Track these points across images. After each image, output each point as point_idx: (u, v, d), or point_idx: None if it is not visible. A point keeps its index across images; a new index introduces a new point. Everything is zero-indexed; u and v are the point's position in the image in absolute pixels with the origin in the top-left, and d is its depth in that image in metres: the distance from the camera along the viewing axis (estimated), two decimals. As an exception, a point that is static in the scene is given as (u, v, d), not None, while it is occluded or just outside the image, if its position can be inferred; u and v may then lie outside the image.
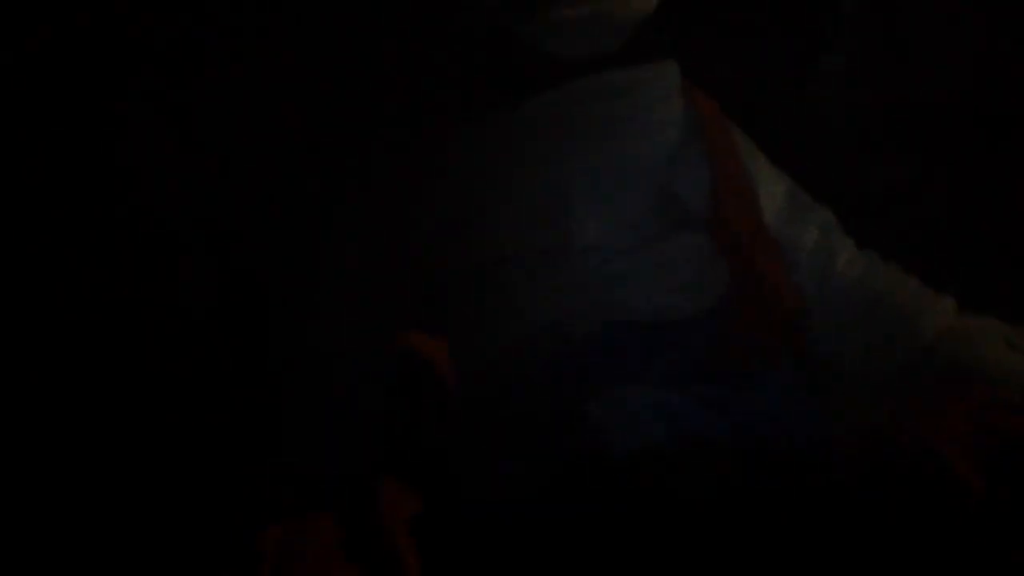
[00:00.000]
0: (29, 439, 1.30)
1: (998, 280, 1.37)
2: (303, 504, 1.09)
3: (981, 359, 1.20)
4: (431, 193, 1.21)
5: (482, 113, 1.20)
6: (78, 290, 1.34)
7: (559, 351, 1.15)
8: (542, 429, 1.12)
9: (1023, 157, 1.48)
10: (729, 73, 1.39)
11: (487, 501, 1.08)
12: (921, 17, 1.55)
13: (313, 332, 1.26)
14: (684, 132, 1.24)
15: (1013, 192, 1.47)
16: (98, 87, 1.34)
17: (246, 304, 1.38)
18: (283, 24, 1.39)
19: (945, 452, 1.03)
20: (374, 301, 1.22)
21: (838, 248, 1.28)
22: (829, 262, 1.27)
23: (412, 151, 1.24)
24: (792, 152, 1.33)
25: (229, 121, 1.37)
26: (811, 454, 1.08)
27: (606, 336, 1.15)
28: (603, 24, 1.18)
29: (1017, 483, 1.02)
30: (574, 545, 1.01)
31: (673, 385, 1.13)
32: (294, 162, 1.38)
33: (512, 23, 1.17)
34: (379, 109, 1.30)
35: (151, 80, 1.36)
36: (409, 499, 1.04)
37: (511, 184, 1.19)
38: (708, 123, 1.26)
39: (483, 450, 1.13)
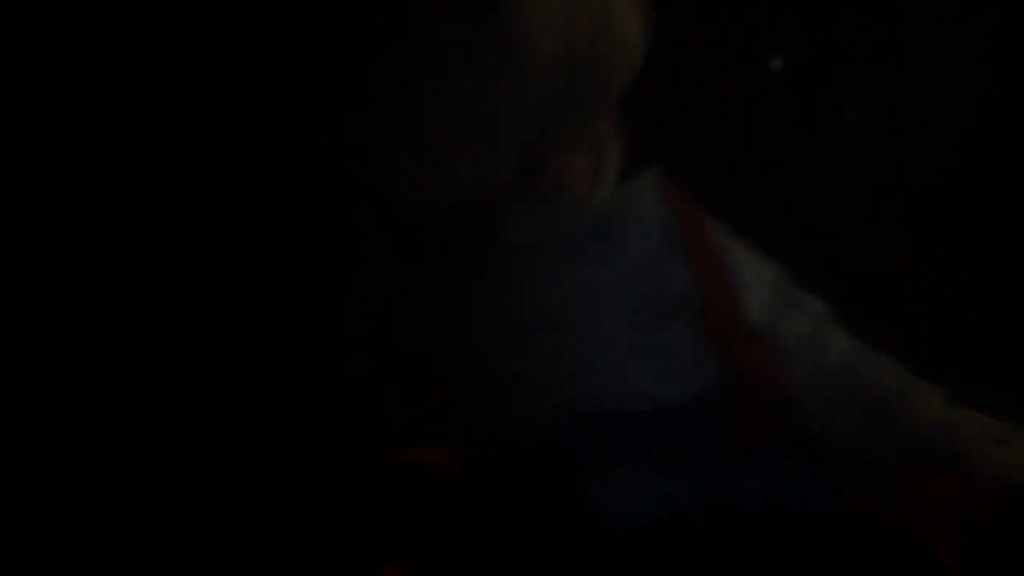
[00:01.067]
0: (33, 439, 1.32)
1: (991, 369, 1.38)
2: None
3: (969, 452, 1.21)
4: (431, 303, 1.25)
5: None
6: (82, 292, 1.36)
7: (557, 434, 1.18)
8: (539, 507, 1.14)
9: (1018, 238, 1.49)
10: (717, 165, 1.42)
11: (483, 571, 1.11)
12: (916, 100, 1.57)
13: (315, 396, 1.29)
14: (670, 237, 1.28)
15: (1005, 275, 1.49)
16: (101, 86, 1.36)
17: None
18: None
19: (926, 532, 1.08)
20: (376, 373, 1.25)
21: (829, 340, 1.30)
22: (820, 353, 1.29)
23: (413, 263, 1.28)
24: (784, 236, 1.35)
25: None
26: (805, 535, 1.10)
27: (602, 422, 1.19)
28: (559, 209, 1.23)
29: (995, 567, 1.05)
30: None
31: (667, 468, 1.17)
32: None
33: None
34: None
35: (155, 80, 1.37)
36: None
37: (509, 298, 1.23)
38: (689, 227, 1.29)
39: (481, 528, 1.15)
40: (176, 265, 1.38)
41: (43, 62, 1.35)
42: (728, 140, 1.54)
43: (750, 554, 1.07)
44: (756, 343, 1.26)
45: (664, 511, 1.13)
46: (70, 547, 1.29)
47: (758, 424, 1.23)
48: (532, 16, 1.15)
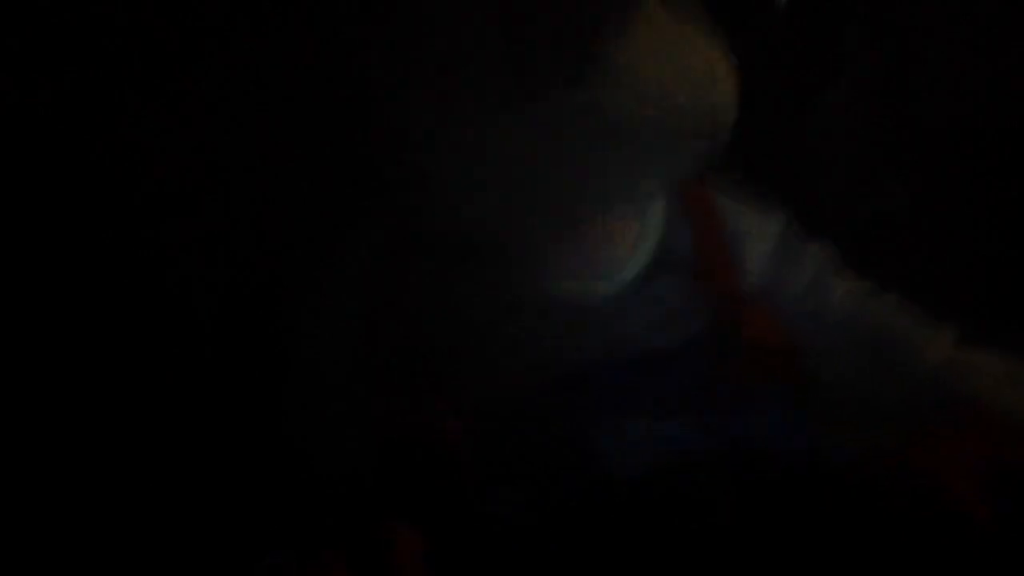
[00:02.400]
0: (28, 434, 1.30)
1: (1000, 312, 1.36)
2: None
3: (980, 393, 1.19)
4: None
5: None
6: (78, 290, 1.34)
7: (558, 387, 1.17)
8: (545, 459, 1.14)
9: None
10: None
11: (495, 531, 1.11)
12: (923, 46, 1.54)
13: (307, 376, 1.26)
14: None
15: (1014, 222, 1.47)
16: (95, 85, 1.34)
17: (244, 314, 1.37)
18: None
19: (951, 482, 1.05)
20: (371, 342, 1.22)
21: (834, 283, 1.27)
22: (825, 298, 1.27)
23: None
24: (790, 183, 1.33)
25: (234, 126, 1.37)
26: (810, 473, 1.11)
27: (601, 371, 1.17)
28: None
29: (1020, 513, 1.02)
30: (583, 569, 1.04)
31: (668, 413, 1.16)
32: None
33: None
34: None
35: (151, 80, 1.35)
36: (417, 539, 1.05)
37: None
38: (687, 194, 1.27)
39: (489, 483, 1.14)
40: (163, 252, 1.37)
41: (43, 63, 1.34)
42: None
43: (759, 499, 1.06)
44: (751, 300, 1.24)
45: (667, 457, 1.13)
46: (65, 546, 1.28)
47: (755, 375, 1.21)
48: (623, 89, 1.10)
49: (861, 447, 1.15)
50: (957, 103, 1.55)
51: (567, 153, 1.11)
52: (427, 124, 1.13)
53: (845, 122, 1.55)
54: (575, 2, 1.10)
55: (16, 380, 1.30)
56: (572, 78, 1.10)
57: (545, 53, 1.10)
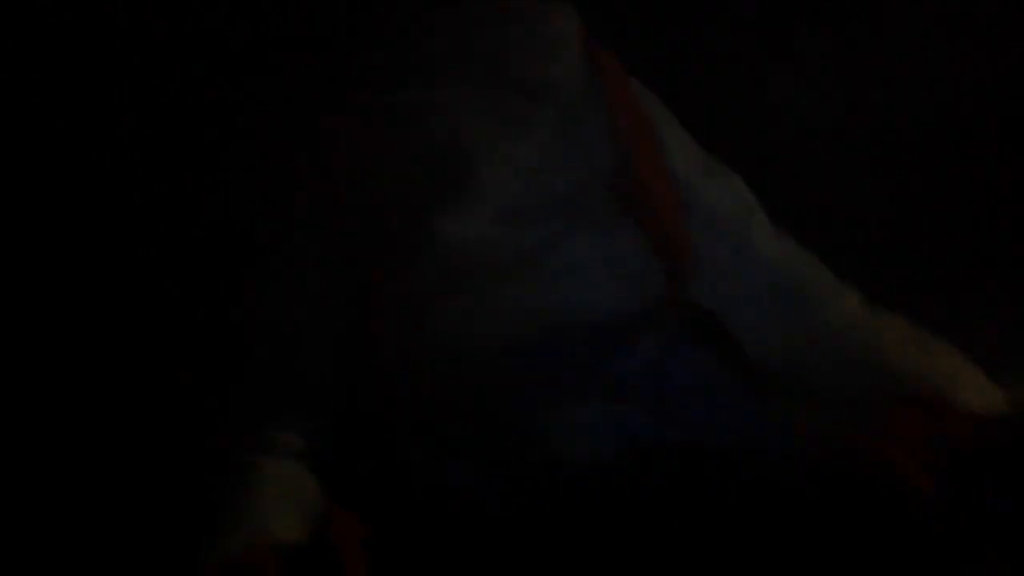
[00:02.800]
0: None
1: (909, 277, 1.38)
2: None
3: (885, 351, 1.21)
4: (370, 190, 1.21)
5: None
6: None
7: (504, 361, 1.16)
8: (494, 440, 1.14)
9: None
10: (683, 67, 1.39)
11: (441, 513, 1.11)
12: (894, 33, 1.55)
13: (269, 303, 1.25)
14: (590, 96, 1.24)
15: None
16: (87, 85, 1.37)
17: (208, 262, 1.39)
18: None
19: (896, 457, 1.08)
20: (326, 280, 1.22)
21: (756, 219, 1.29)
22: (746, 230, 1.28)
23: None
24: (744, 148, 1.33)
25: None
26: (761, 457, 1.12)
27: (552, 341, 1.17)
28: None
29: (966, 485, 1.07)
30: (530, 552, 1.04)
31: (618, 389, 1.16)
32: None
33: None
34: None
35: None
36: (358, 525, 1.08)
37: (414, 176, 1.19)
38: (609, 78, 1.26)
39: (434, 461, 1.15)
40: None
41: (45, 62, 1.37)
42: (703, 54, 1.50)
43: (718, 483, 1.07)
44: (678, 206, 1.25)
45: (612, 440, 1.13)
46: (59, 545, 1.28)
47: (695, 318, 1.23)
48: None
49: (803, 428, 1.18)
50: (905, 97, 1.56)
51: None
52: None
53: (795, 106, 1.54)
54: None
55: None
56: None
57: None
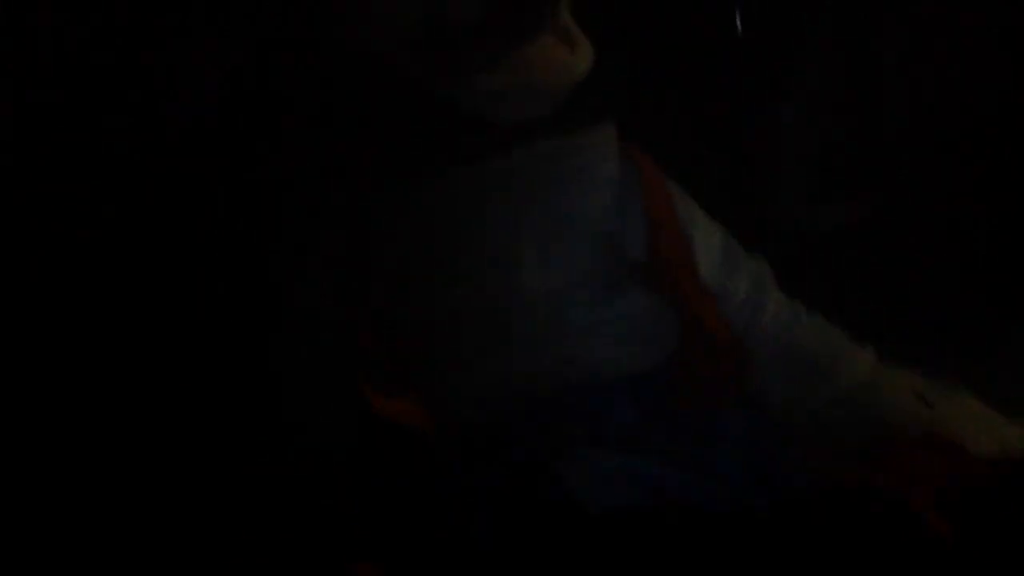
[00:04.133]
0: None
1: (922, 331, 1.42)
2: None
3: (893, 410, 1.26)
4: (387, 250, 1.27)
5: (430, 171, 1.26)
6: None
7: (521, 409, 1.21)
8: (512, 486, 1.17)
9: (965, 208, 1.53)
10: (674, 124, 1.45)
11: (463, 560, 1.13)
12: (879, 61, 1.59)
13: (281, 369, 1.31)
14: (624, 190, 1.30)
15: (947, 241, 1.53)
16: (88, 85, 1.37)
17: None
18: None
19: (913, 501, 1.11)
20: (340, 347, 1.26)
21: (767, 299, 1.34)
22: (757, 312, 1.33)
23: (366, 206, 1.29)
24: (736, 197, 1.39)
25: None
26: (779, 504, 1.16)
27: (567, 394, 1.22)
28: (536, 90, 1.24)
29: (981, 528, 1.10)
30: None
31: (633, 439, 1.21)
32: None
33: (452, 89, 1.23)
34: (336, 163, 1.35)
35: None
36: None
37: (463, 241, 1.25)
38: (646, 181, 1.33)
39: (457, 508, 1.18)
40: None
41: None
42: (689, 98, 1.57)
43: (726, 540, 1.10)
44: (706, 300, 1.31)
45: (638, 491, 1.17)
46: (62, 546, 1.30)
47: (717, 386, 1.28)
48: None
49: (818, 469, 1.22)
50: (909, 121, 1.61)
51: None
52: None
53: (796, 141, 1.60)
54: None
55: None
56: None
57: None
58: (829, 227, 1.55)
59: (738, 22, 1.61)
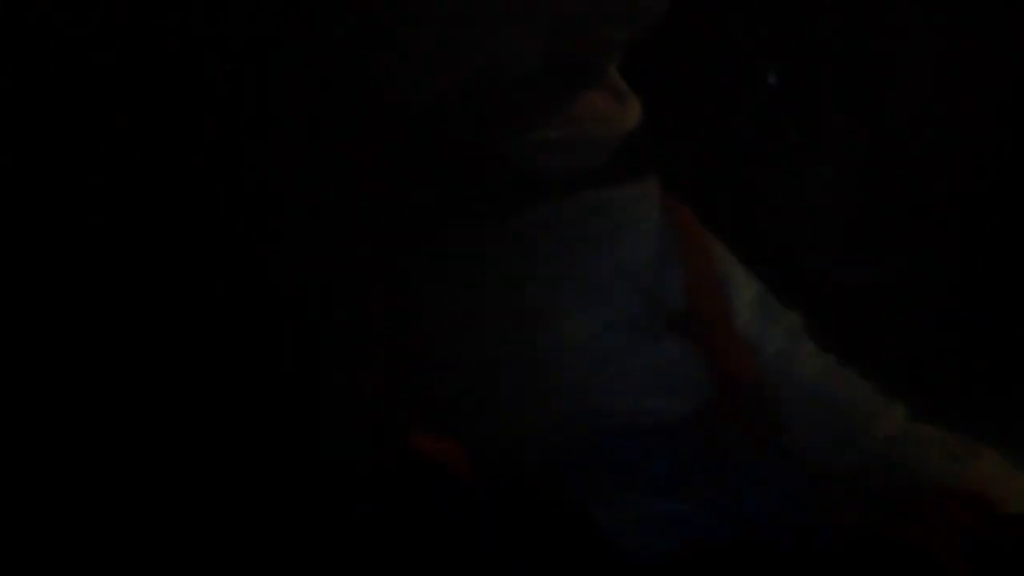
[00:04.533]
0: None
1: (952, 387, 1.45)
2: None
3: (923, 466, 1.29)
4: (430, 296, 1.30)
5: (476, 221, 1.29)
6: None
7: (559, 454, 1.24)
8: (550, 532, 1.21)
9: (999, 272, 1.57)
10: (710, 180, 1.49)
11: None
12: (910, 124, 1.63)
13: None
14: (665, 241, 1.33)
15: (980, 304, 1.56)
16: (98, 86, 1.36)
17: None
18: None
19: (941, 554, 1.16)
20: (380, 392, 1.29)
21: (800, 352, 1.37)
22: (790, 366, 1.36)
23: (410, 253, 1.33)
24: (772, 253, 1.42)
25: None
26: (812, 550, 1.19)
27: (603, 441, 1.25)
28: (586, 143, 1.27)
29: None
30: None
31: (670, 486, 1.24)
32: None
33: (503, 141, 1.27)
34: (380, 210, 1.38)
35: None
36: None
37: (506, 290, 1.28)
38: (685, 232, 1.36)
39: (496, 550, 1.21)
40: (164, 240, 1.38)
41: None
42: (724, 151, 1.61)
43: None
44: (742, 353, 1.33)
45: (676, 536, 1.20)
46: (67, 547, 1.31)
47: (751, 435, 1.30)
48: None
49: (849, 519, 1.25)
50: (937, 183, 1.64)
51: None
52: None
53: (826, 196, 1.64)
54: None
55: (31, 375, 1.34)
56: None
57: None
58: (861, 283, 1.59)
59: (772, 79, 1.65)
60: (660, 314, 1.30)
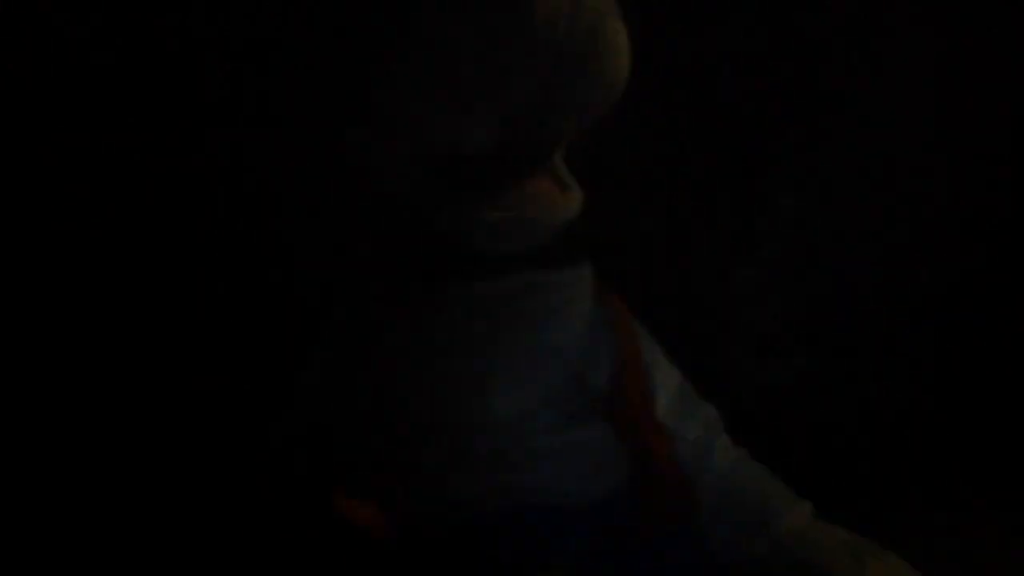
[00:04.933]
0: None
1: (858, 488, 1.50)
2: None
3: (826, 563, 1.34)
4: (371, 362, 1.34)
5: (420, 290, 1.33)
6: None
7: (478, 527, 1.28)
8: None
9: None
10: (643, 271, 1.53)
11: None
12: (829, 236, 1.69)
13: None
14: (595, 327, 1.38)
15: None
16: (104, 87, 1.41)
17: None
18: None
19: None
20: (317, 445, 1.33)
21: (715, 444, 1.41)
22: (706, 455, 1.40)
23: (356, 321, 1.36)
24: (694, 346, 1.47)
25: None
26: None
27: (525, 516, 1.29)
28: (530, 226, 1.32)
29: None
30: None
31: (589, 560, 1.29)
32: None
33: (451, 218, 1.30)
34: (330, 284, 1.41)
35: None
36: None
37: (440, 361, 1.31)
38: (615, 320, 1.40)
39: None
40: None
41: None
42: (663, 248, 1.66)
43: None
44: (662, 438, 1.38)
45: None
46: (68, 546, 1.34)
47: (665, 518, 1.35)
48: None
49: None
50: (860, 288, 1.70)
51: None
52: None
53: (754, 297, 1.69)
54: None
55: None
56: None
57: None
58: (775, 381, 1.63)
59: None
60: (586, 395, 1.35)
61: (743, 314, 1.67)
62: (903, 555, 1.34)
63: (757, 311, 1.67)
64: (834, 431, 1.60)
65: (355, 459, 1.31)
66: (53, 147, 1.43)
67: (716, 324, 1.64)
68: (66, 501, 1.38)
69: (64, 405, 1.42)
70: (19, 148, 1.41)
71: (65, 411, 1.42)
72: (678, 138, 1.65)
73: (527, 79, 1.23)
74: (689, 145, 1.66)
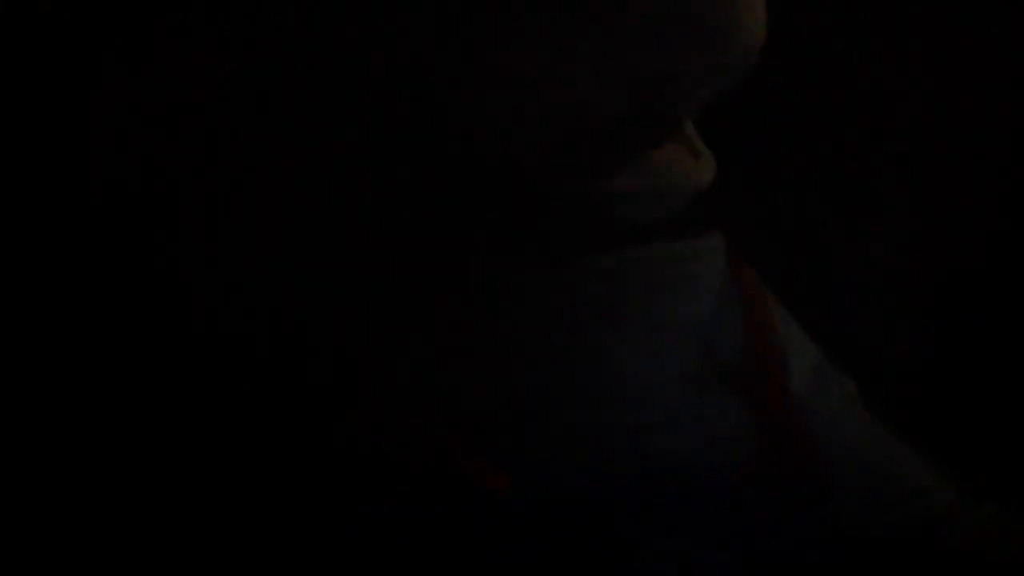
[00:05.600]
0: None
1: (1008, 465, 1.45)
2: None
3: (973, 549, 1.29)
4: (491, 333, 1.30)
5: (550, 261, 1.30)
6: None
7: (601, 492, 1.25)
8: (577, 559, 1.23)
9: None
10: (775, 245, 1.50)
11: None
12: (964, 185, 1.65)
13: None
14: (727, 298, 1.34)
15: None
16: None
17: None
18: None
19: None
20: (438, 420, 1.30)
21: (853, 420, 1.37)
22: (842, 432, 1.36)
23: (476, 292, 1.33)
24: (829, 319, 1.43)
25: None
26: None
27: (646, 483, 1.26)
28: (660, 195, 1.29)
29: None
30: None
31: (706, 535, 1.26)
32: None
33: (580, 187, 1.27)
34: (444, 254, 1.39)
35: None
36: None
37: (572, 328, 1.28)
38: (748, 292, 1.37)
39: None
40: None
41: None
42: (792, 216, 1.62)
43: None
44: (794, 414, 1.34)
45: None
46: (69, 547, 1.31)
47: (793, 494, 1.31)
48: None
49: None
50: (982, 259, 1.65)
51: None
52: None
53: (887, 270, 1.65)
54: None
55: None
56: None
57: None
58: (916, 357, 1.59)
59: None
60: (716, 368, 1.31)
61: (872, 288, 1.62)
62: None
63: (892, 284, 1.62)
64: (976, 407, 1.56)
65: (478, 424, 1.28)
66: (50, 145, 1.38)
67: (852, 296, 1.60)
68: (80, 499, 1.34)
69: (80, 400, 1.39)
70: (19, 148, 1.38)
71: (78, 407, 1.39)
72: (808, 113, 1.61)
73: (662, 40, 1.20)
74: (819, 121, 1.62)
